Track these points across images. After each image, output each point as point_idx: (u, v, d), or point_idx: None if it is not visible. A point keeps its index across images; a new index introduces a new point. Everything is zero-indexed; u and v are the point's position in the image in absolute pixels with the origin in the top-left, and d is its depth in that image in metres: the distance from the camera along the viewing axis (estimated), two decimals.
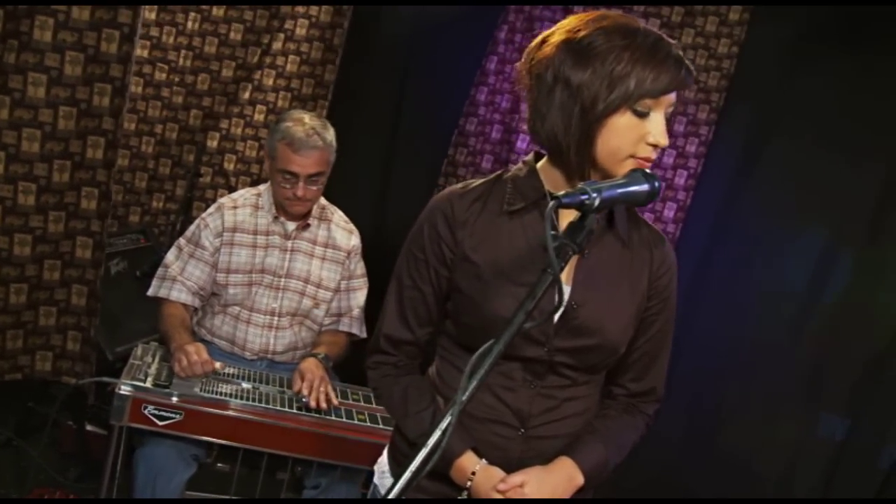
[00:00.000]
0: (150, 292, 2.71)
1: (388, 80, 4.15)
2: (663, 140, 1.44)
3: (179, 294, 2.68)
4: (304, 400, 2.41)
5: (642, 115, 1.42)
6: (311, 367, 2.53)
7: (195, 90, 3.89)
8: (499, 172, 1.61)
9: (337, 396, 2.53)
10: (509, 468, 1.56)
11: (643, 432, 1.72)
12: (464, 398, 1.16)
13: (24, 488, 3.08)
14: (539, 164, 1.56)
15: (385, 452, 1.81)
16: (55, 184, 2.79)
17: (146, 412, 2.22)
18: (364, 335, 2.91)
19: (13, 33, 2.58)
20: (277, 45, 4.00)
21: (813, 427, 3.32)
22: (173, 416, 2.23)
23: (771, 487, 3.33)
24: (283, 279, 2.76)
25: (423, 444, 1.58)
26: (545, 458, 1.59)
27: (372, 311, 2.90)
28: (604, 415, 1.68)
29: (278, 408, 2.36)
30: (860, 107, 3.20)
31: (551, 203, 1.19)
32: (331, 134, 2.68)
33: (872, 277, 3.23)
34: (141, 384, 2.25)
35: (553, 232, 1.18)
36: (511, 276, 1.52)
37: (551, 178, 1.53)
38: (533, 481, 1.54)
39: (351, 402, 2.55)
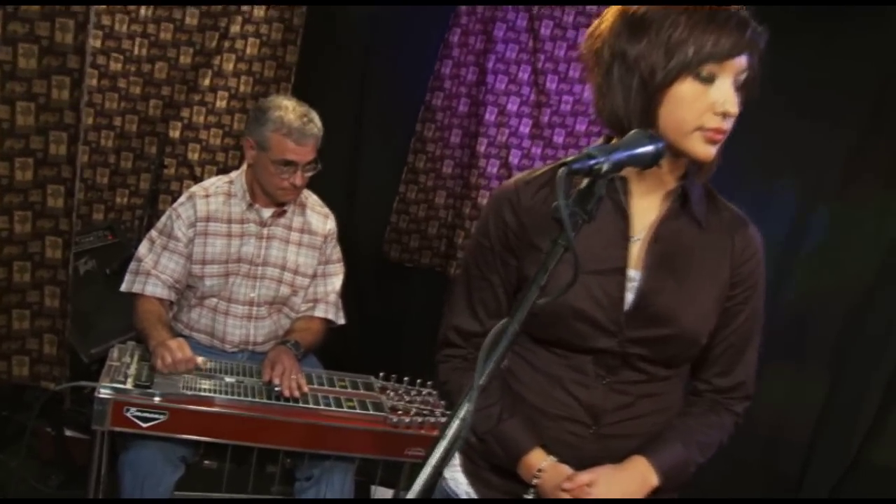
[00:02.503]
0: (124, 287, 2.63)
1: (350, 58, 4.07)
2: (732, 107, 1.35)
3: (154, 288, 2.61)
4: (276, 389, 2.36)
5: (707, 81, 1.35)
6: (281, 355, 2.48)
7: (153, 79, 3.78)
8: (564, 159, 1.57)
9: (322, 384, 2.49)
10: (581, 468, 1.51)
11: (731, 431, 1.63)
12: (481, 382, 1.11)
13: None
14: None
15: None
16: (18, 182, 2.69)
17: (129, 415, 2.15)
18: (341, 321, 2.86)
19: None
20: (235, 28, 3.90)
21: (797, 383, 3.34)
22: (157, 416, 2.17)
23: (760, 445, 3.35)
24: (259, 267, 2.69)
25: (491, 439, 1.59)
26: (619, 459, 1.52)
27: (344, 295, 2.87)
28: (686, 412, 1.60)
29: (265, 401, 2.31)
30: (829, 74, 3.19)
31: (561, 170, 1.14)
32: (317, 117, 2.63)
33: (844, 234, 3.25)
34: (121, 386, 2.19)
35: (565, 201, 1.12)
36: (580, 263, 1.49)
37: None
38: (602, 481, 1.48)
39: (338, 389, 2.51)
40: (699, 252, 1.51)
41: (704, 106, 1.35)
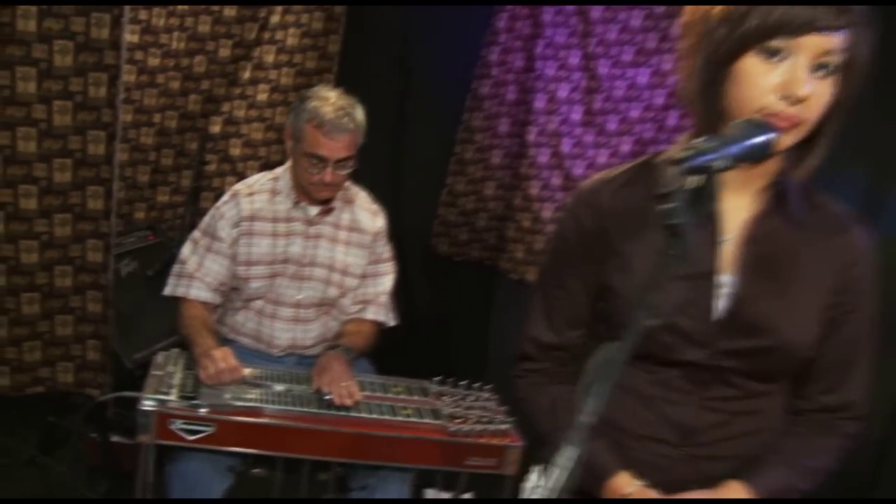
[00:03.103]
0: (167, 291, 2.53)
1: (394, 46, 3.95)
2: (797, 88, 1.16)
3: (199, 292, 2.50)
4: (326, 397, 2.23)
5: (774, 55, 1.17)
6: (332, 361, 2.36)
7: (192, 73, 3.66)
8: (649, 155, 1.43)
9: (375, 391, 2.37)
10: (670, 493, 1.37)
11: (840, 457, 1.47)
12: (585, 420, 0.97)
13: None
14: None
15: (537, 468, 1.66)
16: (58, 184, 2.61)
17: (174, 428, 2.05)
18: (392, 323, 2.73)
19: None
20: (276, 19, 3.77)
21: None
22: (204, 429, 2.06)
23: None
24: (306, 268, 2.57)
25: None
26: (712, 484, 1.37)
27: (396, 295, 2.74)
28: (790, 432, 1.43)
29: (315, 410, 2.19)
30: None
31: (672, 168, 0.99)
32: (361, 113, 2.47)
33: None
34: (165, 397, 2.08)
35: (675, 204, 0.98)
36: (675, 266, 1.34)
37: None
38: None
39: (392, 395, 2.38)
40: (798, 255, 1.36)
41: (768, 86, 1.18)
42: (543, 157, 4.11)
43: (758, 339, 1.32)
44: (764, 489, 1.35)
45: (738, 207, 1.36)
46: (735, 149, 1.05)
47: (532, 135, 4.07)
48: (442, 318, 4.38)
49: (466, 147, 4.24)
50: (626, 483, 1.39)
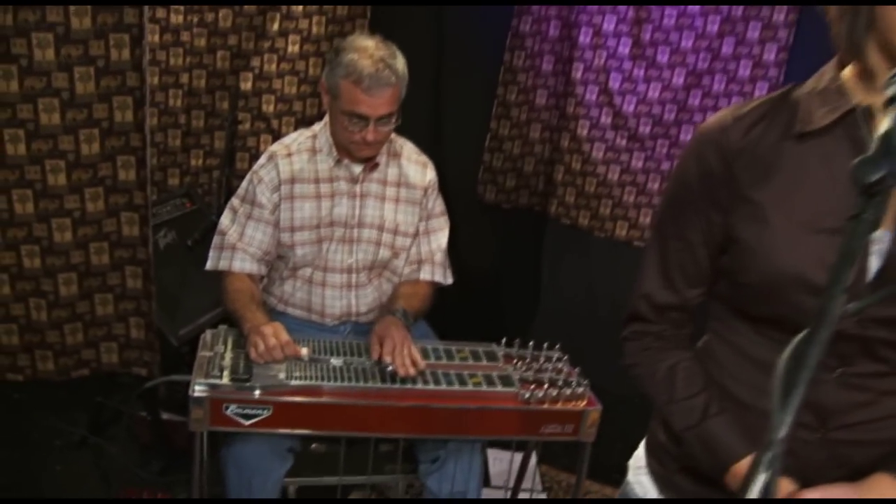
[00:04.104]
0: (209, 266, 2.37)
1: None
2: None
3: (243, 264, 2.34)
4: (388, 369, 2.06)
5: None
6: (390, 328, 2.18)
7: (218, 29, 3.46)
8: (787, 88, 1.23)
9: (440, 357, 2.21)
10: (806, 481, 1.18)
11: None
12: (781, 437, 0.78)
13: (110, 488, 2.86)
14: (844, 72, 1.16)
15: (642, 445, 1.50)
16: (85, 157, 2.44)
17: (228, 412, 1.90)
18: (449, 281, 2.56)
19: None
20: None
21: None
22: (260, 412, 1.91)
23: None
24: (355, 230, 2.40)
25: (693, 438, 1.28)
26: (855, 471, 1.19)
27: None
28: None
29: (379, 384, 2.03)
30: None
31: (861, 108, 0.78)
32: (401, 63, 2.25)
33: None
34: (217, 381, 1.92)
35: (876, 154, 0.77)
36: (806, 219, 1.14)
37: (857, 91, 1.14)
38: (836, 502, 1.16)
39: (459, 362, 2.21)
40: None
41: None
42: (591, 94, 3.89)
43: None
44: None
45: None
46: None
47: (578, 72, 3.85)
48: (491, 269, 4.22)
49: (509, 88, 4.02)
50: None
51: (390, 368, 2.04)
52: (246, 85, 3.57)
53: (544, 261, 4.29)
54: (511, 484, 3.09)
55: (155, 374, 2.67)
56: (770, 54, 3.55)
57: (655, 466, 1.43)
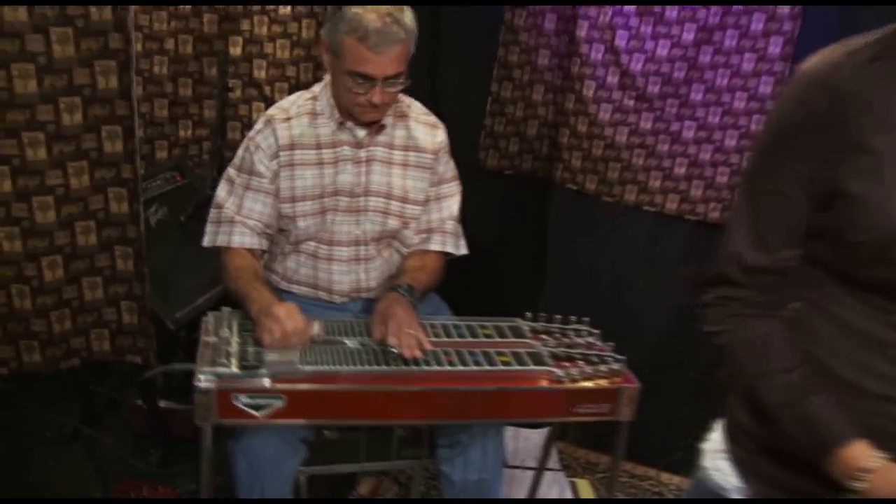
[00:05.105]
0: (206, 242, 2.18)
1: None
2: None
3: (243, 238, 2.15)
4: (394, 351, 1.87)
5: None
6: (393, 306, 1.98)
7: None
8: None
9: (463, 335, 2.03)
10: None
11: None
12: None
13: (107, 482, 2.71)
14: None
15: (718, 428, 1.37)
16: (66, 128, 2.23)
17: (238, 404, 1.72)
18: (463, 251, 2.38)
19: None
20: None
21: None
22: (273, 402, 1.74)
23: None
24: (361, 198, 2.21)
25: (789, 417, 1.14)
26: None
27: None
28: None
29: (402, 368, 1.85)
30: None
31: None
32: (410, 17, 2.03)
33: None
34: (224, 369, 1.74)
35: None
36: None
37: None
38: None
39: (484, 340, 2.04)
40: None
41: None
42: (597, 53, 3.70)
43: None
44: None
45: None
46: None
47: (582, 30, 3.66)
48: (494, 238, 4.05)
49: (510, 49, 3.83)
50: (863, 455, 1.09)
51: (395, 350, 1.86)
52: (235, 50, 3.35)
53: (550, 228, 4.12)
54: (527, 462, 2.95)
55: (151, 361, 2.48)
56: (783, 8, 3.38)
57: (737, 451, 1.29)
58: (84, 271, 2.39)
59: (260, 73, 3.43)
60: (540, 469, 2.54)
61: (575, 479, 3.05)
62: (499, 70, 3.91)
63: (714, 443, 1.36)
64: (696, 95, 3.67)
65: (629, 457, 3.11)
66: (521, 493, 2.72)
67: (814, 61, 1.10)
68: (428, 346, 1.91)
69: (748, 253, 1.20)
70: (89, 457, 2.82)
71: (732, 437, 1.30)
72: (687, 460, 3.14)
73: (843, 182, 1.07)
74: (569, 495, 2.92)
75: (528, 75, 3.89)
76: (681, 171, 3.78)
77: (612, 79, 3.74)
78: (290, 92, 3.41)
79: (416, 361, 1.86)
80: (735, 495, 1.29)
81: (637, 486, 3.06)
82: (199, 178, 3.07)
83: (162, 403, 2.83)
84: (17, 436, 2.85)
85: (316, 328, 1.86)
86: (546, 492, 2.75)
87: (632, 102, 3.75)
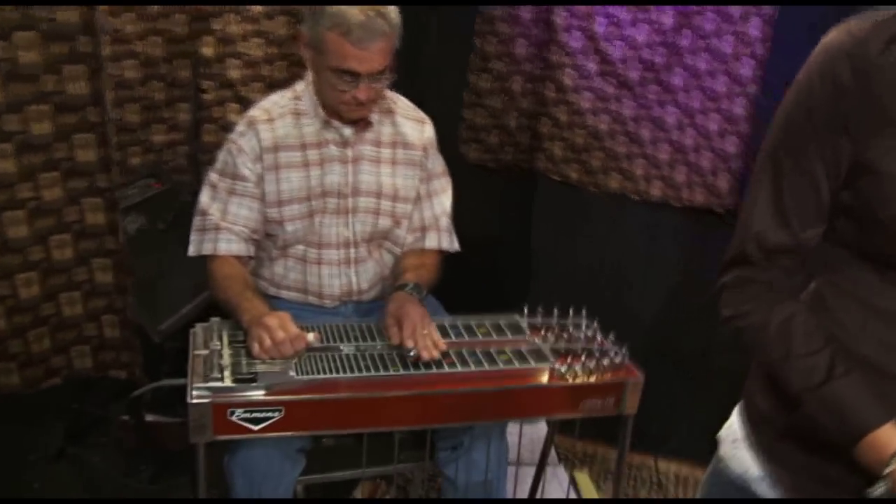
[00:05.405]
0: (192, 251, 2.10)
1: None
2: None
3: (229, 245, 2.07)
4: (411, 354, 1.80)
5: None
6: (405, 306, 1.91)
7: None
8: None
9: (461, 334, 1.97)
10: None
11: None
12: None
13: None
14: None
15: (735, 413, 1.30)
16: (36, 137, 2.14)
17: (234, 419, 1.64)
18: (455, 248, 2.32)
19: None
20: None
21: None
22: (271, 415, 1.66)
23: None
24: (349, 199, 2.14)
25: (814, 401, 1.08)
26: None
27: None
28: None
29: (401, 372, 1.78)
30: None
31: None
32: (394, 10, 1.97)
33: None
34: (217, 383, 1.66)
35: None
36: None
37: None
38: None
39: (482, 339, 1.97)
40: None
41: None
42: (576, 41, 3.64)
43: None
44: None
45: None
46: None
47: (560, 17, 3.59)
48: (479, 232, 3.98)
49: (487, 39, 3.75)
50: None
51: (413, 353, 1.79)
52: (207, 50, 3.25)
53: (535, 220, 4.07)
54: (524, 458, 2.90)
55: (137, 375, 2.40)
56: None
57: (758, 438, 1.23)
58: (62, 286, 2.31)
59: (233, 73, 3.33)
60: (541, 465, 2.48)
61: (575, 472, 3.00)
62: (476, 61, 3.84)
63: (732, 431, 1.31)
64: (677, 80, 3.62)
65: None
66: (523, 491, 2.66)
67: (837, 35, 1.04)
68: (444, 346, 1.84)
69: (770, 232, 1.14)
70: (77, 476, 2.72)
71: (753, 424, 1.25)
72: (683, 447, 3.12)
73: (870, 159, 1.02)
74: (569, 489, 2.88)
75: (507, 66, 3.82)
76: (664, 157, 3.73)
77: (593, 66, 3.68)
78: (266, 91, 3.32)
79: (431, 363, 1.79)
80: (759, 485, 1.23)
81: (636, 475, 3.02)
82: (177, 183, 2.97)
83: (149, 417, 2.74)
84: None
85: (311, 338, 1.79)
86: (546, 487, 2.69)
87: (612, 90, 3.70)
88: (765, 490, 1.22)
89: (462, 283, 3.09)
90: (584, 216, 3.95)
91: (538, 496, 2.54)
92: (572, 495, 2.87)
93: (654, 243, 3.89)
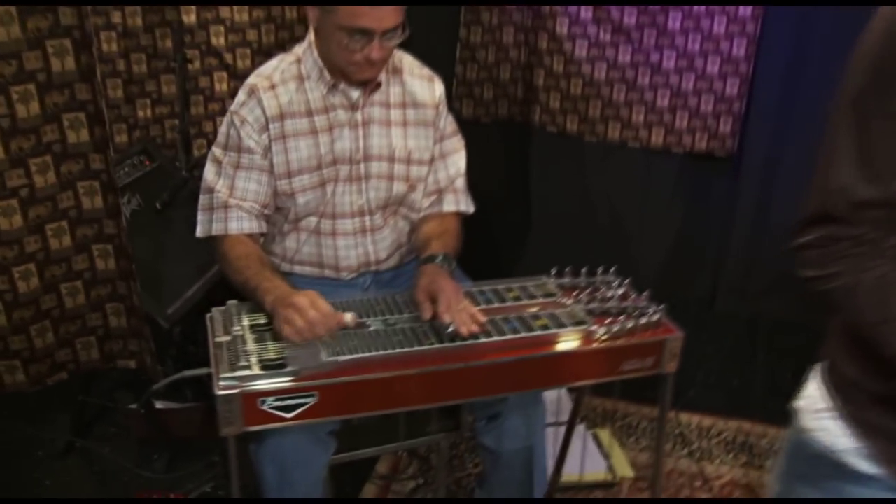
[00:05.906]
0: (201, 232, 1.98)
1: None
2: None
3: (241, 223, 1.96)
4: (449, 330, 1.69)
5: None
6: (438, 279, 1.79)
7: None
8: None
9: (491, 301, 1.88)
10: None
11: None
12: None
13: (113, 495, 2.53)
14: None
15: (815, 385, 1.21)
16: (23, 120, 2.01)
17: (266, 407, 1.55)
18: (472, 209, 2.22)
19: None
20: None
21: None
22: (305, 401, 1.57)
23: None
24: (361, 164, 2.03)
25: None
26: None
27: None
28: None
29: (436, 345, 1.68)
30: None
31: None
32: None
33: None
34: (245, 372, 1.56)
35: None
36: None
37: None
38: None
39: (513, 303, 1.88)
40: None
41: None
42: None
43: None
44: None
45: None
46: None
47: None
48: (476, 189, 3.89)
49: None
50: None
51: (451, 329, 1.69)
52: (189, 17, 3.09)
53: (533, 174, 3.97)
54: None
55: (147, 364, 2.29)
56: None
57: (847, 407, 1.14)
58: (61, 277, 2.18)
59: (218, 40, 3.18)
60: (570, 427, 2.42)
61: (596, 430, 2.95)
62: (466, 15, 3.72)
63: (812, 400, 1.22)
64: (674, 24, 3.52)
65: (644, 400, 3.01)
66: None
67: None
68: (482, 319, 1.74)
69: (858, 185, 1.04)
70: (89, 470, 2.63)
71: (840, 392, 1.17)
72: (699, 398, 3.07)
73: None
74: (592, 447, 2.82)
75: (497, 17, 3.71)
76: (664, 102, 3.64)
77: (586, 13, 3.58)
78: (254, 57, 3.18)
79: (474, 336, 1.70)
80: (851, 457, 1.15)
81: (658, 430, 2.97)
82: (169, 159, 2.84)
83: (159, 405, 2.64)
84: (4, 459, 2.65)
85: (349, 318, 1.67)
86: (569, 448, 2.64)
87: (608, 36, 3.60)
88: (860, 464, 1.15)
89: (469, 243, 3.00)
90: (583, 166, 3.86)
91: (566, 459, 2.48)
92: (597, 454, 2.82)
93: (655, 191, 3.82)
